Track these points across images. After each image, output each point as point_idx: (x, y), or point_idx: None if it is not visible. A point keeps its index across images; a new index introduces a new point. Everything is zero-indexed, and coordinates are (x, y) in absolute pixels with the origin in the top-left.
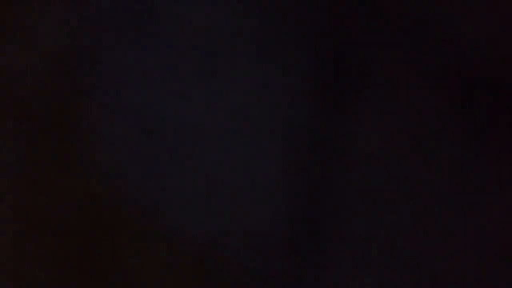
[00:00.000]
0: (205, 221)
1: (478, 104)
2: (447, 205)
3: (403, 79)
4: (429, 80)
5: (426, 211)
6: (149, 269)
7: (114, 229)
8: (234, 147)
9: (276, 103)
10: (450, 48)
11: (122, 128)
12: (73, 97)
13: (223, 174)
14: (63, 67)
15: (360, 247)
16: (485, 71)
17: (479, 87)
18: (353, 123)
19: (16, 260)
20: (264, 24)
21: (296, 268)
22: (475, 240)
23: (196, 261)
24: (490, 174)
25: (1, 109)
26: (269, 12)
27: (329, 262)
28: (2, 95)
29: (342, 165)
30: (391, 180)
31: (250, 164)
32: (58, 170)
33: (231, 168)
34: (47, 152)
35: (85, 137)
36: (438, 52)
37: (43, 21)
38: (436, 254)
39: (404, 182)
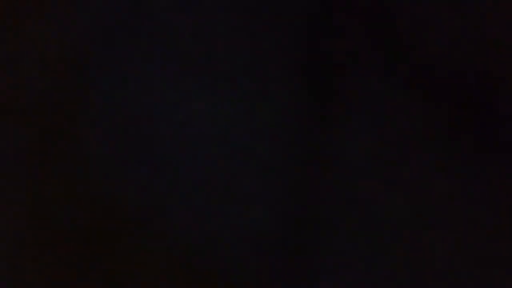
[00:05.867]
0: (200, 225)
1: (455, 107)
2: (435, 206)
3: (382, 86)
4: (407, 84)
5: (415, 213)
6: (146, 271)
7: (111, 232)
8: (226, 152)
9: (265, 111)
10: (425, 52)
11: (120, 133)
12: (74, 102)
13: (216, 178)
14: (65, 74)
15: (351, 250)
16: (459, 74)
17: (455, 91)
18: (340, 129)
19: (15, 262)
20: (251, 36)
21: (288, 271)
22: (465, 241)
23: (191, 263)
24: (472, 175)
25: (4, 113)
26: (255, 26)
27: (320, 264)
28: (5, 101)
29: (331, 169)
30: (379, 184)
31: (242, 169)
32: (58, 173)
33: (224, 172)
34: (48, 156)
35: (84, 142)
36: (414, 57)
37: (46, 28)
38: (426, 255)
39: (392, 185)
